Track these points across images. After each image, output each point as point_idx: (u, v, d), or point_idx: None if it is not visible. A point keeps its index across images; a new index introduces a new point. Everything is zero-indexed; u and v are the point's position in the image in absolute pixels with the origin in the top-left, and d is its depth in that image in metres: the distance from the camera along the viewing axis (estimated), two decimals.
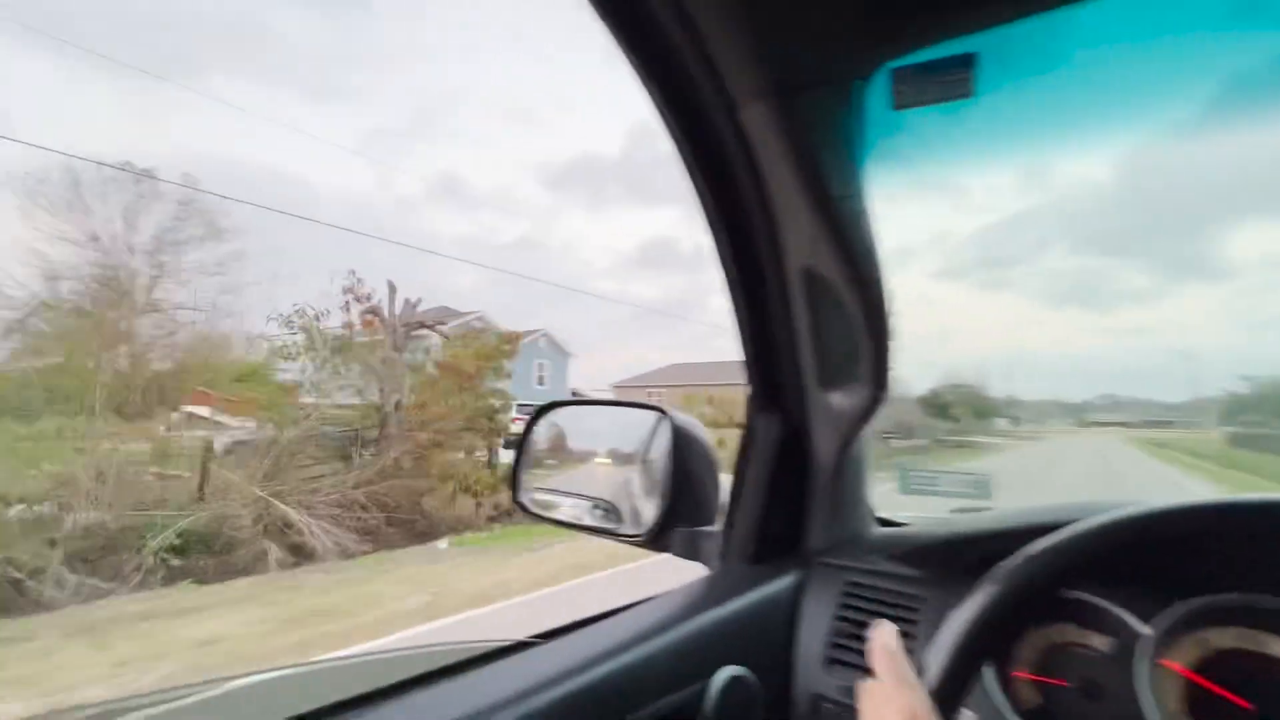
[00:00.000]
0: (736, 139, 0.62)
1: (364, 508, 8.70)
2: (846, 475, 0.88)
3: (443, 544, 8.89)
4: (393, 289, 11.91)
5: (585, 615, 0.76)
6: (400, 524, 9.16)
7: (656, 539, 0.95)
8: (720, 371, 32.84)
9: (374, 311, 11.72)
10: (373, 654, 0.75)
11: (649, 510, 1.08)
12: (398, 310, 11.95)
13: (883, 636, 0.51)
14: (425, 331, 12.87)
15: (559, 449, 1.18)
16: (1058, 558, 0.46)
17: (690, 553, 0.95)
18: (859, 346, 0.70)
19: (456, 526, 9.77)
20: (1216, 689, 0.58)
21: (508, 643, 0.68)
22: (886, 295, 0.64)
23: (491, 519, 10.41)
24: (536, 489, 1.10)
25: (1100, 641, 0.66)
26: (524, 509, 1.07)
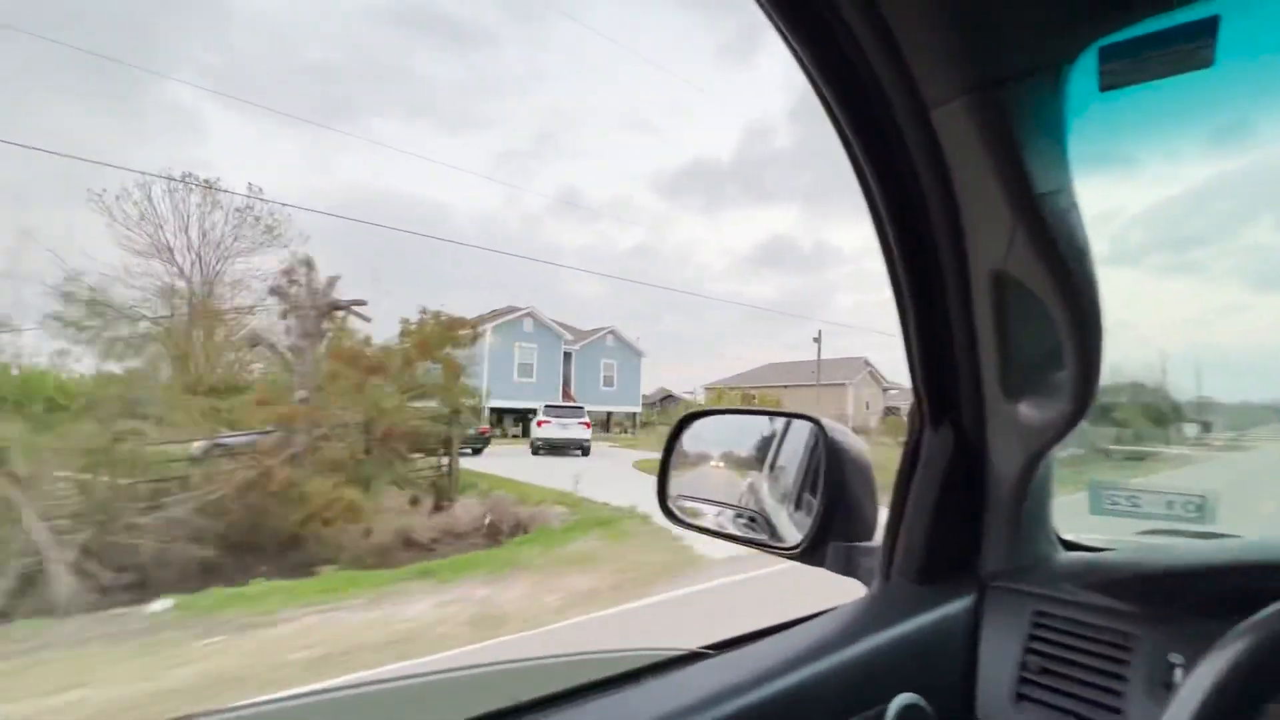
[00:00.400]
0: (925, 141, 0.59)
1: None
2: (1026, 493, 0.80)
3: (156, 605, 5.71)
4: (309, 265, 9.96)
5: (754, 629, 0.75)
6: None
7: (810, 553, 0.92)
8: (814, 369, 30.93)
9: (279, 292, 9.96)
10: (543, 658, 0.78)
11: (783, 519, 1.06)
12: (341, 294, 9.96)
13: None
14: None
15: (691, 456, 1.19)
16: None
17: (846, 569, 0.91)
18: (1056, 355, 0.64)
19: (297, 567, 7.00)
20: None
21: (681, 652, 0.69)
22: (1098, 298, 0.58)
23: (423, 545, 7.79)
24: (683, 497, 1.11)
25: None
26: (671, 516, 1.09)
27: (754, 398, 33.33)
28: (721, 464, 1.20)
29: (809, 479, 1.03)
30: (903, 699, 0.67)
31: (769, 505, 1.09)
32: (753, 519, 1.10)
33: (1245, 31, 0.48)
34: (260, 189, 20.28)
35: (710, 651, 0.69)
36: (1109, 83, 0.52)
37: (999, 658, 0.75)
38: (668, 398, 38.35)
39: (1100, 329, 0.58)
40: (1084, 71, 0.52)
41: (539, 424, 20.30)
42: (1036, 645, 0.73)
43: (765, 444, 1.16)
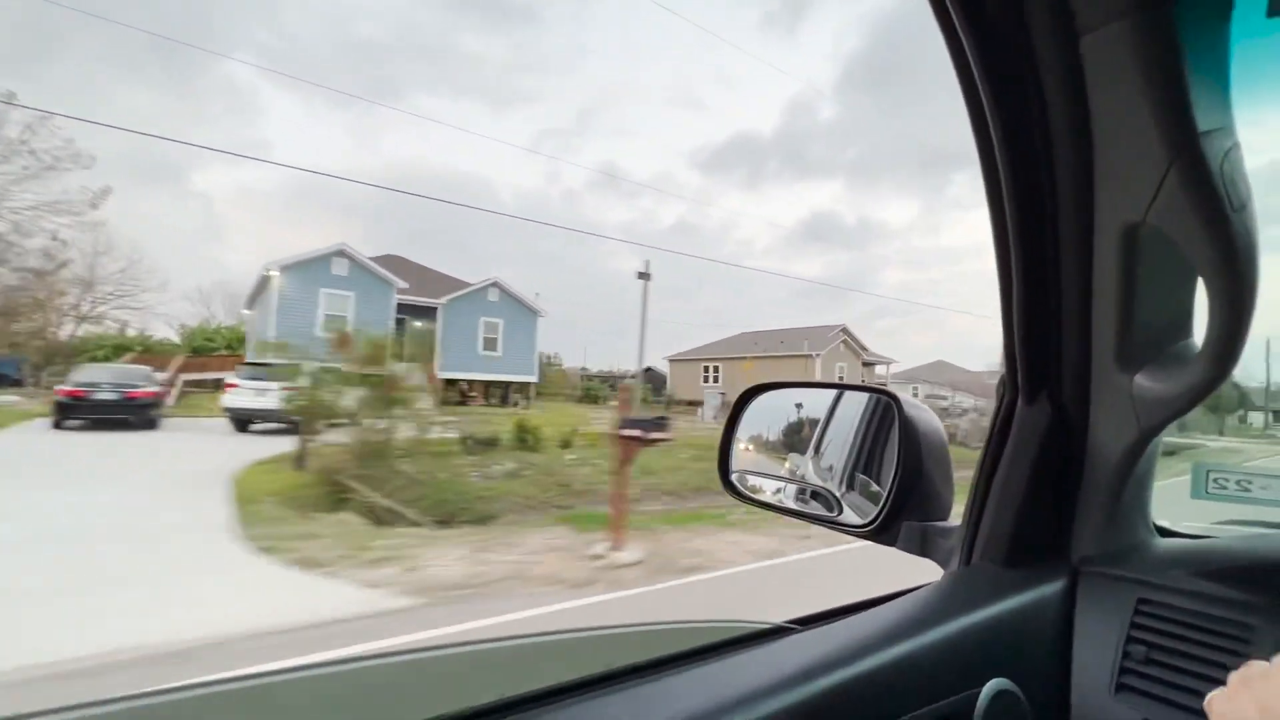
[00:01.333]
0: (1069, 72, 0.53)
1: None
2: (1131, 474, 0.75)
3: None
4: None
5: (838, 605, 0.72)
6: None
7: (881, 531, 0.89)
8: (791, 338, 29.14)
9: None
10: (630, 626, 0.78)
11: (838, 494, 1.02)
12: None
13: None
14: None
15: (754, 430, 1.15)
16: None
17: (920, 548, 0.87)
18: (1183, 320, 0.58)
19: None
20: None
21: (766, 626, 0.67)
22: (1257, 254, 0.52)
23: None
24: (744, 471, 1.08)
25: None
26: (732, 490, 1.06)
27: (715, 368, 31.96)
28: (777, 438, 1.16)
29: (864, 454, 1.00)
30: (995, 684, 0.64)
31: (822, 479, 1.05)
32: (815, 494, 1.06)
33: None
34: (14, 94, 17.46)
35: (796, 626, 0.67)
36: None
37: (1096, 645, 0.71)
38: (647, 370, 37.43)
39: (1256, 288, 0.52)
40: None
41: (227, 388, 14.91)
42: (1140, 634, 0.69)
43: (816, 416, 1.12)
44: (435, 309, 23.21)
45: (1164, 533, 0.85)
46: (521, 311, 25.69)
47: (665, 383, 35.13)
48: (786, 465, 1.12)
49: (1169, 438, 0.72)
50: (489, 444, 11.24)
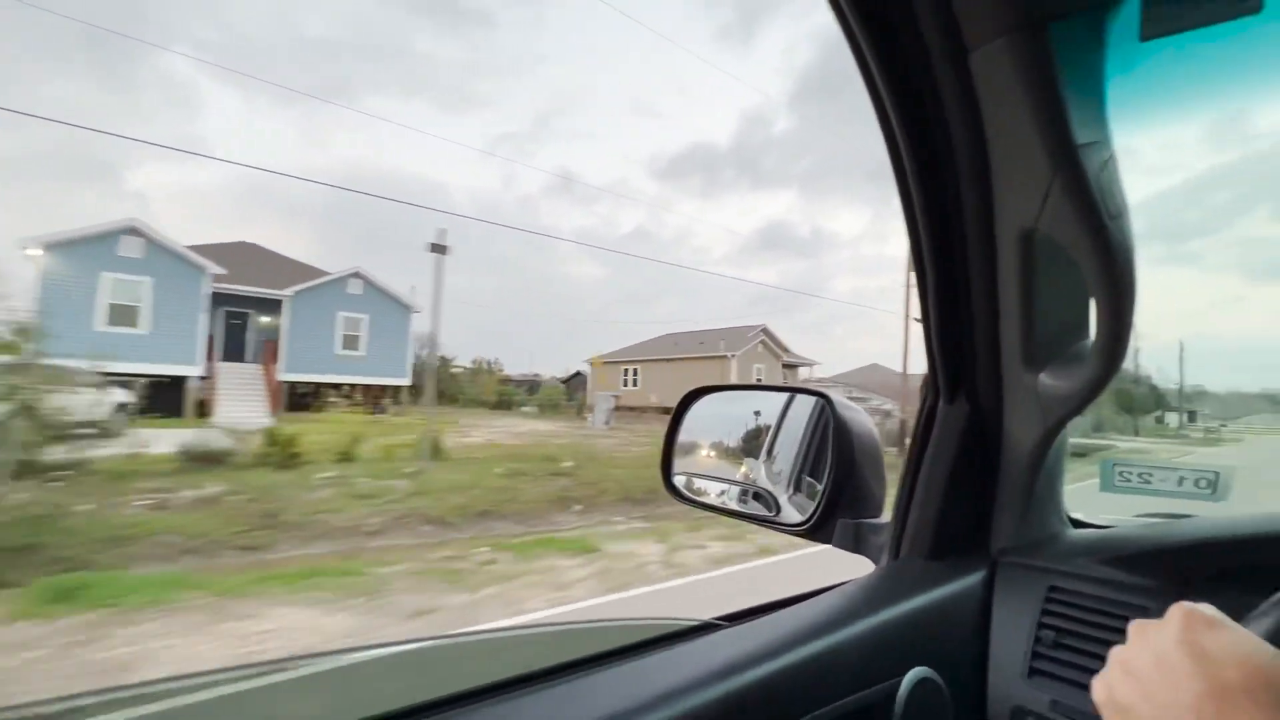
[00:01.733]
0: (961, 86, 0.56)
1: None
2: (1041, 468, 0.79)
3: None
4: None
5: (767, 601, 0.74)
6: None
7: (817, 529, 0.91)
8: (710, 339, 27.65)
9: None
10: (555, 625, 0.77)
11: (786, 499, 1.04)
12: None
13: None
14: None
15: (695, 433, 1.17)
16: None
17: (854, 545, 0.90)
18: (1080, 321, 0.62)
19: None
20: None
21: (694, 622, 0.68)
22: (1134, 258, 0.56)
23: None
24: (686, 474, 1.10)
25: None
26: (675, 493, 1.07)
27: (634, 370, 30.39)
28: (724, 440, 1.18)
29: (810, 456, 1.02)
30: (916, 672, 0.66)
31: (771, 482, 1.07)
32: (757, 495, 1.08)
33: None
34: None
35: (723, 623, 0.68)
36: (1151, 31, 0.50)
37: (1011, 632, 0.74)
38: (576, 375, 36.23)
39: (1134, 291, 0.56)
40: (1129, 17, 0.49)
41: None
42: (1050, 620, 0.72)
43: (769, 420, 1.14)
44: (280, 302, 19.95)
45: (1077, 524, 0.89)
46: (390, 306, 22.17)
47: (585, 386, 33.69)
48: (742, 469, 1.13)
49: (1083, 439, 0.76)
50: (212, 460, 8.57)
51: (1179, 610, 0.37)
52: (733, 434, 1.17)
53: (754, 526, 1.04)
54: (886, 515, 0.90)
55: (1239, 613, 0.39)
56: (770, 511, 1.01)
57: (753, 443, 1.15)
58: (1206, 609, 0.36)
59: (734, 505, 1.07)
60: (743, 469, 1.13)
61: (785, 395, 1.13)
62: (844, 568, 0.88)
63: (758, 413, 1.15)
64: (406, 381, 22.78)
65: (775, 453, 1.11)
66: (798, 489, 1.03)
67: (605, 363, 32.29)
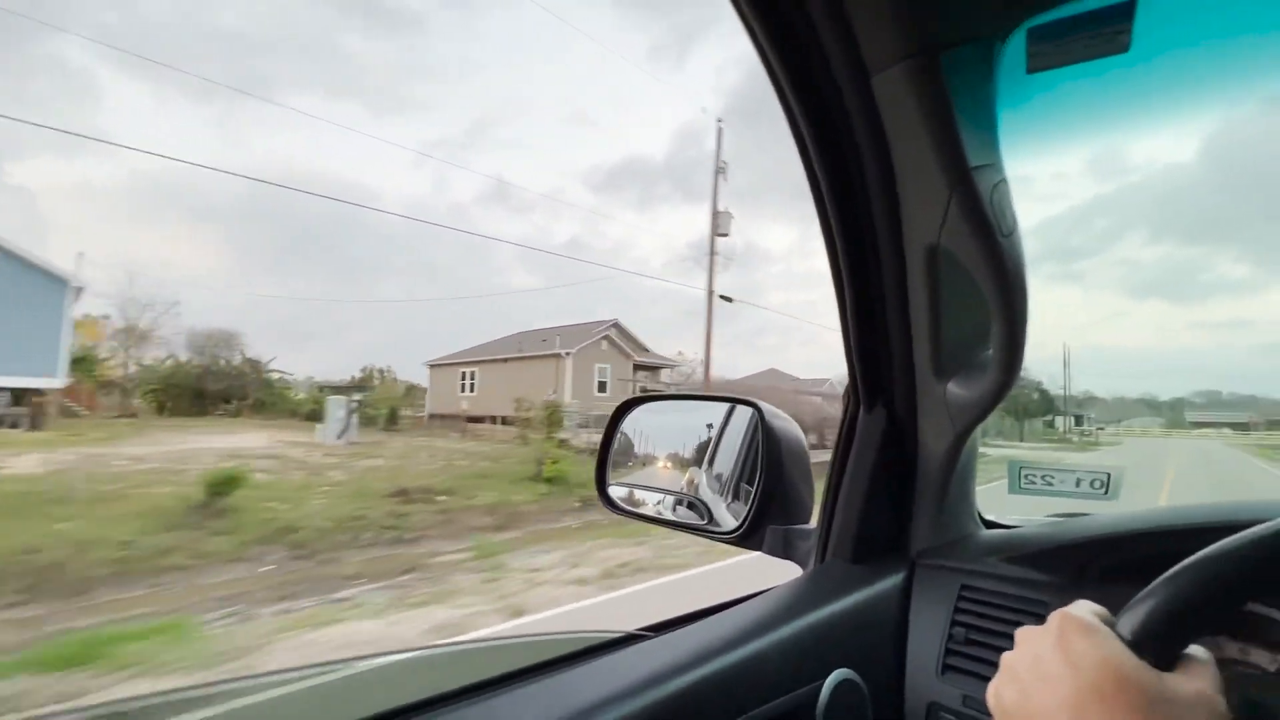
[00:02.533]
0: (865, 108, 0.59)
1: None
2: (953, 472, 0.83)
3: None
4: None
5: (692, 610, 0.74)
6: None
7: (747, 537, 0.92)
8: (553, 336, 23.97)
9: None
10: (478, 642, 0.75)
11: (725, 507, 1.06)
12: None
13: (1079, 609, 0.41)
14: None
15: (632, 448, 1.17)
16: (1252, 561, 0.40)
17: (783, 551, 0.92)
18: (983, 332, 0.66)
19: None
20: None
21: (617, 635, 0.67)
22: (1025, 273, 0.59)
23: None
24: (621, 484, 1.09)
25: (1265, 659, 0.59)
26: (610, 504, 1.07)
27: (472, 374, 26.48)
28: (670, 450, 1.18)
29: (748, 465, 1.04)
30: (838, 674, 0.68)
31: (708, 492, 1.09)
32: (691, 505, 1.09)
33: (1161, 20, 0.50)
34: None
35: (647, 634, 0.68)
36: (1036, 64, 0.54)
37: (927, 631, 0.77)
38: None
39: (1026, 304, 0.60)
40: (1015, 51, 0.53)
41: None
42: (961, 618, 0.76)
43: (709, 430, 1.15)
44: None
45: (989, 524, 0.94)
46: (25, 277, 15.73)
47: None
48: (687, 477, 1.14)
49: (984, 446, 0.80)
50: None
51: (1056, 616, 0.39)
52: (677, 443, 1.18)
53: (690, 536, 1.05)
54: (815, 521, 0.93)
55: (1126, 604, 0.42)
56: (704, 520, 1.02)
57: (700, 452, 1.16)
58: (1083, 613, 0.39)
59: (669, 515, 1.08)
60: (687, 477, 1.14)
61: (728, 405, 1.14)
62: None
63: (710, 424, 1.16)
64: (56, 381, 16.59)
65: (716, 461, 1.12)
66: (736, 497, 1.05)
67: (438, 365, 28.24)
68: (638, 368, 26.29)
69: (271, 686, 0.58)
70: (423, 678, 0.61)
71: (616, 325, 26.10)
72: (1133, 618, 0.39)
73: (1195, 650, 0.38)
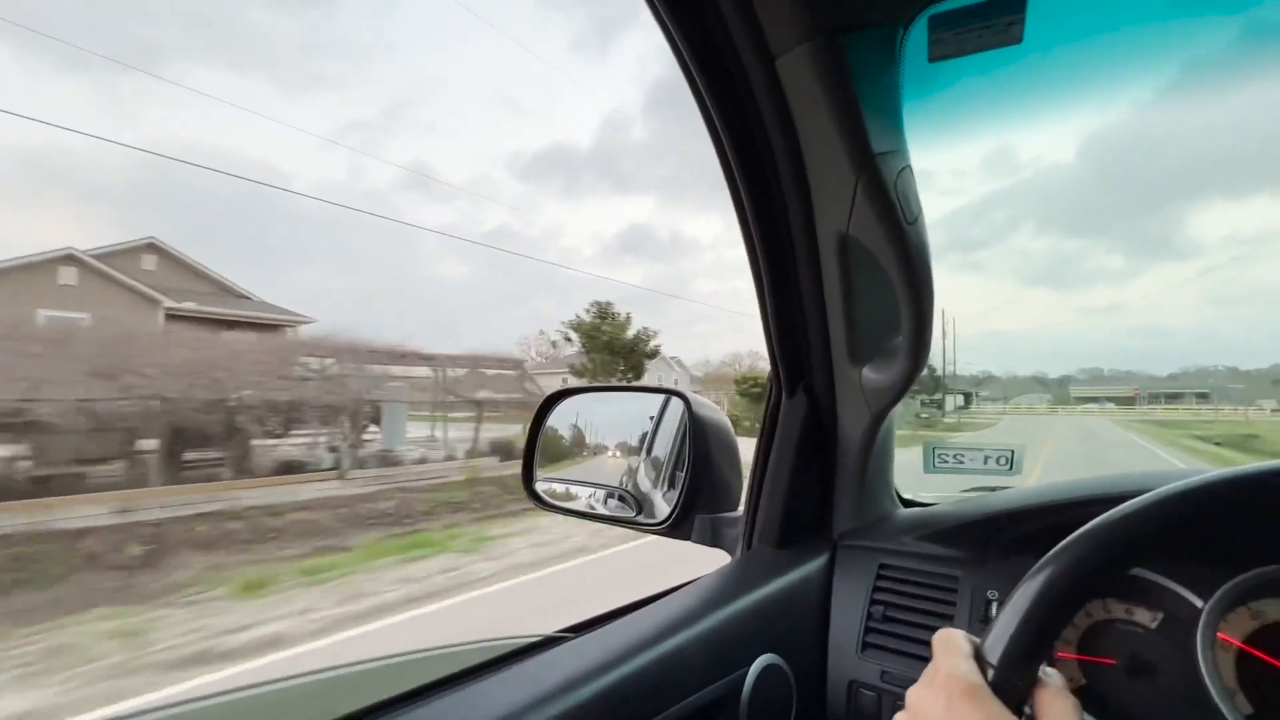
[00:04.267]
0: (772, 92, 0.58)
1: None
2: (872, 455, 0.86)
3: None
4: None
5: (614, 607, 0.72)
6: None
7: (676, 527, 0.92)
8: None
9: None
10: (394, 656, 0.70)
11: (660, 498, 1.05)
12: None
13: (951, 641, 0.44)
14: None
15: (575, 440, 1.15)
16: (1136, 530, 0.42)
17: (712, 539, 0.92)
18: (894, 319, 0.67)
19: None
20: (1271, 660, 0.56)
21: (537, 638, 0.65)
22: (929, 260, 0.61)
23: None
24: (550, 479, 1.06)
25: (1146, 617, 0.63)
26: (537, 500, 1.04)
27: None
28: (611, 442, 1.16)
29: (688, 455, 1.03)
30: (763, 660, 0.68)
31: (647, 483, 1.08)
32: (623, 498, 1.08)
33: (1050, 13, 0.52)
34: None
35: (568, 635, 0.66)
36: (937, 52, 0.55)
37: (848, 611, 0.79)
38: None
39: (932, 291, 0.62)
40: (918, 38, 0.54)
41: None
42: (880, 596, 0.78)
43: (646, 422, 1.14)
44: None
45: (907, 503, 0.98)
46: None
47: None
48: (626, 468, 1.12)
49: None
50: None
51: (940, 676, 0.41)
52: (623, 435, 1.16)
53: (620, 529, 1.04)
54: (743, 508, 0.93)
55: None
56: (635, 512, 1.01)
57: (641, 443, 1.15)
58: (963, 671, 0.40)
59: (601, 509, 1.06)
60: (626, 469, 1.12)
61: (664, 396, 1.13)
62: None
63: (652, 416, 1.15)
64: None
65: (654, 452, 1.11)
66: (672, 486, 1.04)
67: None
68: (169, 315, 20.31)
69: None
70: (317, 703, 0.57)
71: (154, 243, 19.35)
72: (993, 653, 0.41)
73: (1051, 679, 0.41)
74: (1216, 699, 0.55)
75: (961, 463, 0.96)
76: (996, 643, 0.41)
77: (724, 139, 0.63)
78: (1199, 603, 0.59)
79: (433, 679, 0.56)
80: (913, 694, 0.43)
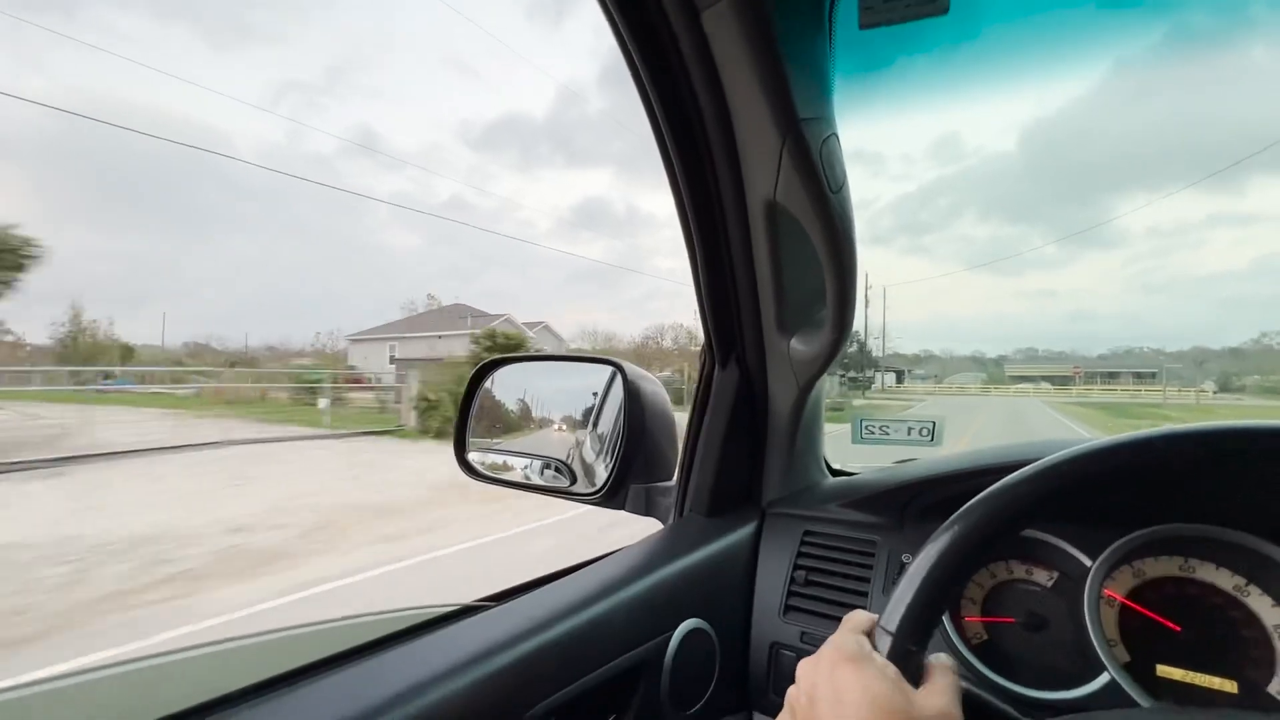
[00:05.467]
0: (698, 49, 0.56)
1: None
2: (801, 425, 0.87)
3: None
4: None
5: (537, 575, 0.72)
6: None
7: (610, 496, 0.92)
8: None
9: None
10: (308, 625, 0.69)
11: (602, 468, 1.05)
12: None
13: (854, 621, 0.45)
14: None
15: (513, 412, 1.13)
16: (1024, 495, 0.44)
17: (645, 509, 0.92)
18: (822, 289, 0.68)
19: None
20: (1148, 613, 0.60)
21: (455, 607, 0.64)
22: (852, 231, 0.61)
23: None
24: (484, 449, 1.04)
25: (1044, 576, 0.68)
26: (469, 470, 1.02)
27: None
28: (556, 414, 1.15)
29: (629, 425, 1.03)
30: (687, 624, 0.70)
31: (591, 453, 1.07)
32: (559, 468, 1.07)
33: None
34: None
35: (487, 604, 0.65)
36: (867, 20, 0.54)
37: (772, 576, 0.81)
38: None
39: (855, 261, 0.62)
40: (849, 4, 0.53)
41: None
42: (803, 561, 0.80)
43: (591, 397, 1.13)
44: None
45: (835, 473, 1.01)
46: None
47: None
48: (574, 438, 1.11)
49: None
50: None
51: (828, 648, 0.42)
52: (569, 407, 1.14)
53: (555, 499, 1.03)
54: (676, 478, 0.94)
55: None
56: (568, 482, 1.00)
57: (586, 415, 1.14)
58: (848, 642, 0.42)
59: (535, 479, 1.05)
60: (574, 439, 1.11)
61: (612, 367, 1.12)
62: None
63: (596, 392, 1.13)
64: None
65: (600, 423, 1.10)
66: (614, 457, 1.04)
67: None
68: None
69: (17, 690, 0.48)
70: (217, 676, 0.54)
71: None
72: (890, 621, 0.43)
73: (939, 662, 0.43)
74: (1098, 649, 0.60)
75: (887, 434, 0.99)
76: (893, 612, 0.43)
77: (652, 97, 0.61)
78: (1088, 562, 0.64)
79: (337, 650, 0.54)
80: (801, 666, 0.44)
